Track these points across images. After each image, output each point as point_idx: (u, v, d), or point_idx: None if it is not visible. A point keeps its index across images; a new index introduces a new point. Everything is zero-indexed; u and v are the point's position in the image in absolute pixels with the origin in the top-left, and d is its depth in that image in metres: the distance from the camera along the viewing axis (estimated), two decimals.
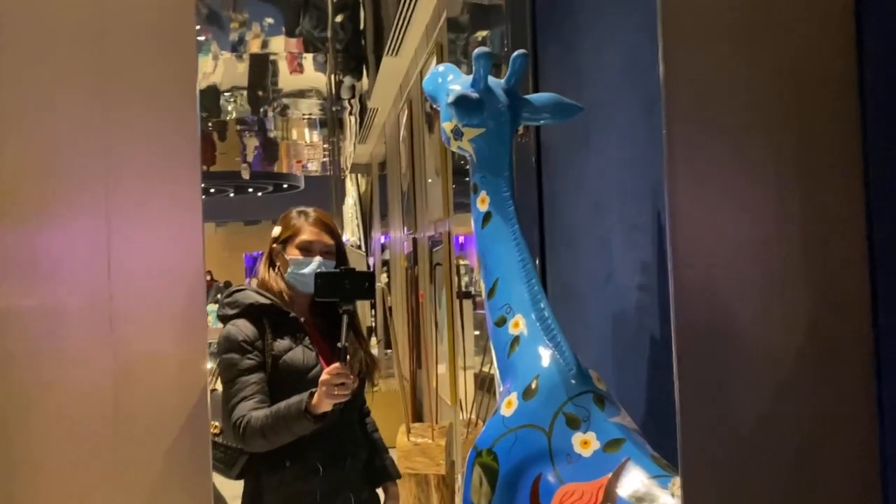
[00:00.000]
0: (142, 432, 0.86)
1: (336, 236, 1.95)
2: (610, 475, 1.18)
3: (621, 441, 1.23)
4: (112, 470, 0.86)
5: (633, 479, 1.15)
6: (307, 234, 1.88)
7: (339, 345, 1.68)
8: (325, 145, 8.11)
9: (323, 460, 1.77)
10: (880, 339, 0.93)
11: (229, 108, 7.16)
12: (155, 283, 0.85)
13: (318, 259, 1.86)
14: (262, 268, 1.92)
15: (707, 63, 0.89)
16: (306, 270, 1.84)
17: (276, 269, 1.89)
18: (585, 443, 1.24)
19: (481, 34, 3.12)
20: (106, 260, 0.87)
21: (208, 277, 13.94)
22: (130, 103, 0.89)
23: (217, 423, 1.80)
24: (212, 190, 11.37)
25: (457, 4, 3.22)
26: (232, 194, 12.12)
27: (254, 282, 1.97)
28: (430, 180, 3.96)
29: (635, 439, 1.25)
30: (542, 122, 1.70)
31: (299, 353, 1.80)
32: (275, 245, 1.91)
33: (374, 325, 6.80)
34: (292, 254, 1.87)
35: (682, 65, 0.87)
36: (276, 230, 1.93)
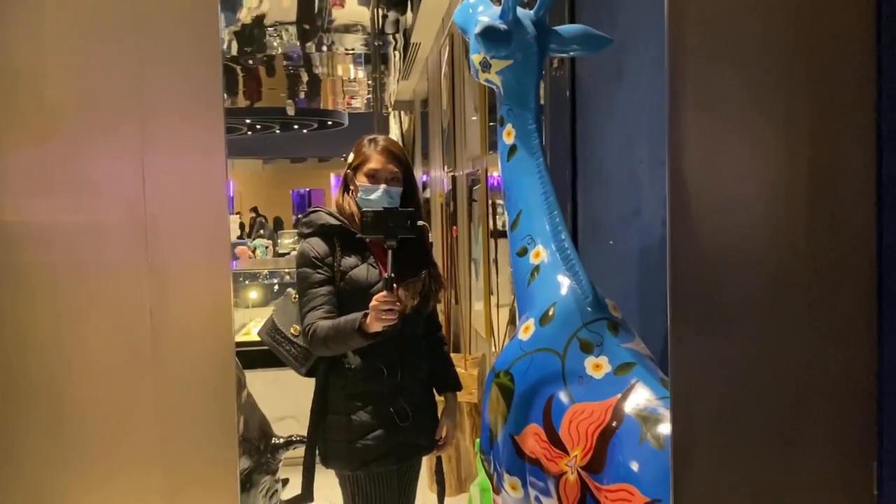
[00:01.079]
0: (175, 342, 0.94)
1: (403, 163, 2.06)
2: (619, 396, 1.23)
3: (632, 365, 1.27)
4: (148, 373, 0.95)
5: (640, 399, 1.20)
6: (374, 161, 2.00)
7: (384, 275, 1.84)
8: (369, 81, 8.09)
9: (385, 366, 1.96)
10: (882, 264, 0.94)
11: (275, 43, 7.17)
12: (184, 201, 0.91)
13: (383, 187, 1.99)
14: (338, 192, 2.10)
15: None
16: (373, 197, 1.98)
17: (350, 193, 2.04)
18: (597, 366, 1.29)
19: None
20: (141, 179, 0.93)
21: (252, 214, 14.22)
22: (161, 39, 0.95)
23: (298, 327, 2.04)
24: (257, 126, 11.49)
25: None
26: (278, 131, 12.24)
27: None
28: (473, 118, 3.96)
29: (646, 363, 1.30)
30: (571, 53, 1.70)
31: (364, 270, 1.97)
32: (348, 171, 2.05)
33: None
34: (361, 181, 2.01)
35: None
36: (351, 157, 2.06)
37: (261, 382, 3.12)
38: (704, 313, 0.89)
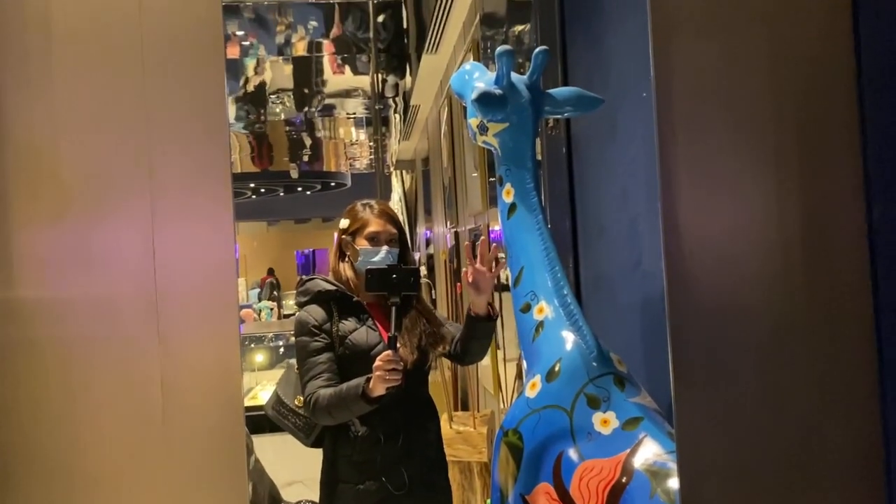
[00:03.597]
0: (186, 411, 0.95)
1: (398, 225, 2.10)
2: (628, 451, 1.23)
3: (639, 419, 1.28)
4: (160, 443, 0.96)
5: (649, 454, 1.20)
6: (374, 225, 2.02)
7: (389, 334, 1.82)
8: (371, 143, 8.23)
9: (385, 432, 1.92)
10: (880, 323, 0.95)
11: (277, 109, 7.34)
12: (193, 274, 0.94)
13: (385, 248, 2.01)
14: (332, 258, 2.10)
15: (702, 56, 0.93)
16: (377, 258, 1.99)
17: (346, 259, 2.05)
18: (605, 421, 1.29)
19: (518, 28, 3.17)
20: (151, 255, 0.96)
21: (267, 276, 14.25)
22: (169, 116, 0.99)
23: (301, 397, 2.01)
24: (262, 190, 11.65)
25: (491, 1, 3.27)
26: (282, 193, 12.40)
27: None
28: (474, 174, 4.02)
29: (653, 417, 1.30)
30: (565, 114, 1.75)
31: (363, 333, 1.97)
32: (344, 237, 2.07)
33: None
34: (361, 244, 2.02)
35: (676, 58, 0.92)
36: (344, 223, 2.08)
37: (269, 447, 3.10)
38: (706, 367, 0.90)
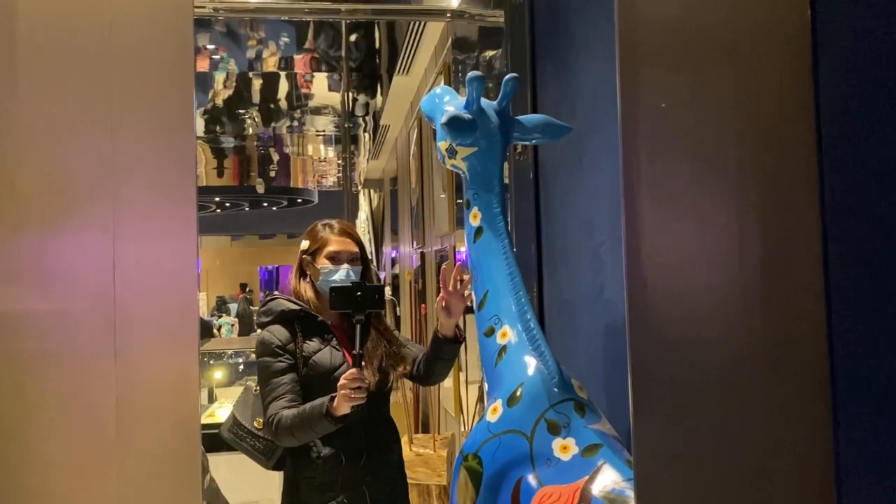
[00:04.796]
0: (140, 429, 0.93)
1: (359, 244, 2.09)
2: (586, 478, 1.23)
3: (599, 446, 1.29)
4: (113, 461, 0.94)
5: (607, 481, 1.21)
6: (334, 244, 2.02)
7: (353, 352, 1.82)
8: (339, 161, 8.22)
9: (350, 452, 1.91)
10: (834, 348, 0.98)
11: (245, 124, 7.29)
12: (153, 290, 0.92)
13: (346, 266, 2.00)
14: (293, 278, 2.08)
15: (667, 89, 0.96)
16: (336, 277, 1.98)
17: (307, 279, 2.04)
18: (565, 447, 1.30)
19: (489, 54, 3.20)
20: (111, 269, 0.95)
21: (240, 291, 14.03)
22: (135, 128, 0.98)
23: (261, 419, 1.98)
24: (227, 204, 11.53)
25: (463, 26, 3.31)
26: (247, 208, 12.28)
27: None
28: (442, 195, 4.04)
29: (612, 445, 1.31)
30: (533, 141, 1.77)
31: (327, 354, 1.95)
32: (304, 256, 2.05)
33: None
34: (322, 263, 2.01)
35: (642, 90, 0.94)
36: (305, 243, 2.07)
37: (226, 467, 3.04)
38: (665, 396, 0.91)
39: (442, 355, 1.96)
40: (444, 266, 1.91)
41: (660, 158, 0.95)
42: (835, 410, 0.98)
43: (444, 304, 1.86)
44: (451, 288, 1.84)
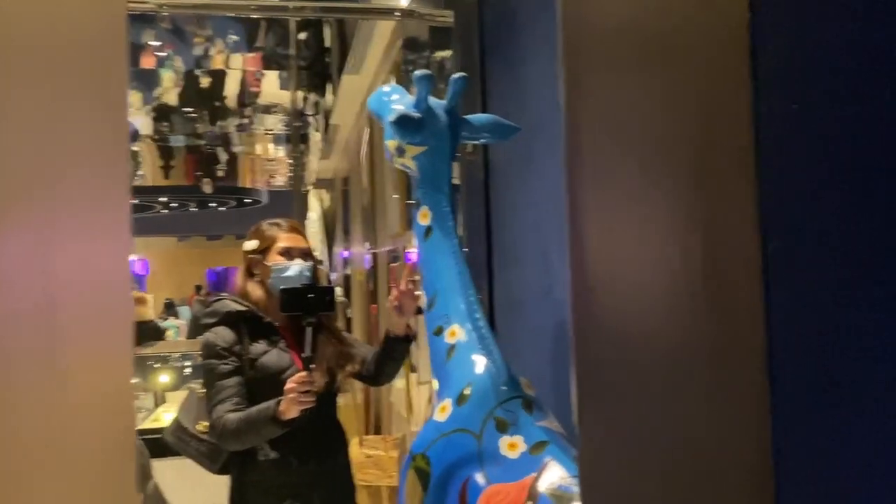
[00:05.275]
0: (72, 433, 0.90)
1: (307, 241, 2.08)
2: (534, 475, 1.24)
3: (546, 443, 1.29)
4: (42, 473, 0.90)
5: (554, 477, 1.22)
6: (285, 240, 2.00)
7: (303, 355, 1.79)
8: (289, 160, 8.13)
9: (297, 456, 1.88)
10: (772, 346, 1.01)
11: (193, 122, 7.16)
12: (85, 292, 0.89)
13: (299, 261, 1.98)
14: (240, 279, 2.03)
15: (609, 89, 0.97)
16: (290, 273, 1.95)
17: (256, 279, 1.99)
18: (513, 445, 1.30)
19: (439, 54, 3.20)
20: (42, 270, 0.91)
21: (194, 292, 13.76)
22: (65, 128, 0.94)
23: (205, 422, 1.94)
24: (173, 204, 11.29)
25: (413, 26, 3.30)
26: (194, 209, 12.05)
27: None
28: (395, 196, 4.03)
29: (559, 442, 1.32)
30: (481, 140, 1.78)
31: (274, 356, 1.91)
32: (253, 256, 2.01)
33: None
34: (274, 260, 1.97)
35: (586, 91, 0.94)
36: (252, 244, 2.03)
37: (171, 472, 2.97)
38: (609, 392, 0.92)
39: (393, 354, 1.95)
40: (394, 265, 1.90)
41: (603, 157, 0.96)
42: (773, 400, 1.00)
43: (396, 303, 1.85)
44: (402, 287, 1.83)
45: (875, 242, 0.80)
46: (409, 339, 1.93)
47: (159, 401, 4.69)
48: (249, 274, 2.01)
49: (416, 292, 1.82)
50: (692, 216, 1.01)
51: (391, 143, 1.63)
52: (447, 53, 3.03)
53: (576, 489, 1.18)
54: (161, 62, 6.14)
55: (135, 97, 6.41)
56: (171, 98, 6.63)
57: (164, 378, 4.88)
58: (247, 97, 6.52)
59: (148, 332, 6.22)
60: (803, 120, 0.99)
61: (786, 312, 1.01)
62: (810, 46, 0.96)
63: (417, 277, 1.76)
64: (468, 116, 1.66)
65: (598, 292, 0.93)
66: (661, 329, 0.97)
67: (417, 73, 1.53)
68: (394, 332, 1.91)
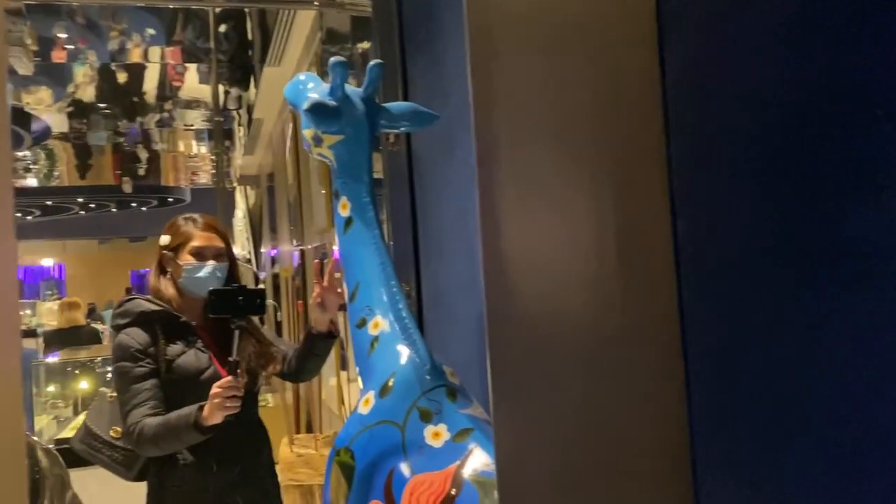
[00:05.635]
0: None
1: (225, 239, 2.00)
2: (458, 462, 1.23)
3: (470, 430, 1.29)
4: None
5: (478, 464, 1.21)
6: (198, 239, 1.91)
7: (230, 359, 1.73)
8: (212, 157, 7.92)
9: (218, 459, 1.82)
10: (685, 324, 1.03)
11: (109, 119, 6.89)
12: None
13: (211, 263, 1.90)
14: (152, 276, 1.95)
15: (517, 73, 0.96)
16: (201, 274, 1.88)
17: (168, 276, 1.91)
18: (437, 434, 1.29)
19: (362, 46, 3.16)
20: None
21: (126, 296, 13.30)
22: None
23: (118, 428, 1.85)
24: (91, 205, 10.86)
25: (334, 17, 3.25)
26: (114, 209, 11.63)
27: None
28: (322, 192, 3.96)
29: (483, 428, 1.31)
30: (401, 129, 1.76)
31: (192, 357, 1.84)
32: (165, 252, 1.93)
33: None
34: (185, 259, 1.90)
35: (494, 74, 0.94)
36: (165, 239, 1.95)
37: (92, 481, 2.86)
38: (523, 375, 0.92)
39: (315, 351, 1.92)
40: (317, 261, 1.87)
41: (512, 141, 0.96)
42: (687, 376, 1.02)
43: (319, 299, 1.81)
44: (325, 283, 1.80)
45: (781, 222, 0.82)
46: (332, 335, 1.90)
47: (79, 408, 4.50)
48: (162, 271, 1.94)
49: (339, 289, 1.79)
50: (604, 198, 1.01)
51: (308, 133, 1.59)
52: (367, 44, 3.00)
53: None
54: (73, 56, 5.88)
55: (45, 93, 6.13)
56: (87, 94, 6.37)
57: (84, 385, 4.69)
58: (168, 91, 6.31)
59: (84, 337, 5.99)
60: (712, 101, 1.01)
61: (697, 291, 1.04)
62: (718, 27, 0.97)
63: (339, 274, 1.73)
64: (387, 105, 1.64)
65: (511, 276, 0.92)
66: (575, 310, 0.97)
67: (332, 60, 1.50)
68: (317, 329, 1.87)
